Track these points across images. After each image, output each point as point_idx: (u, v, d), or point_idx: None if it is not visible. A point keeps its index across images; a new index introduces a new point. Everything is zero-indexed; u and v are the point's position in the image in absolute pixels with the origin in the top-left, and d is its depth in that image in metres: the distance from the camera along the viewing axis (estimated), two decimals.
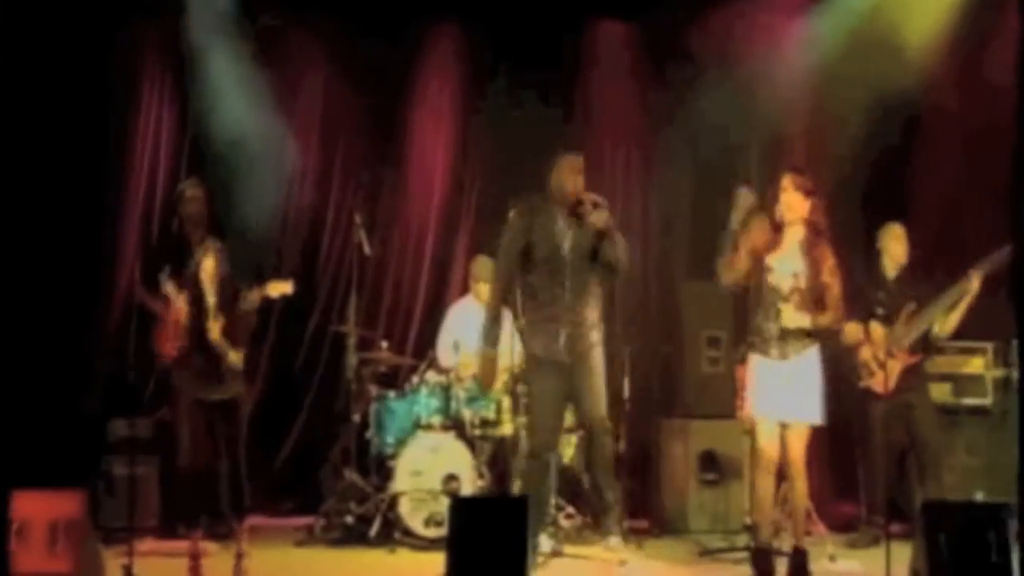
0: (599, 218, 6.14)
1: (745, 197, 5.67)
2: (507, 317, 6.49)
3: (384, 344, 7.62)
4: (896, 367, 6.86)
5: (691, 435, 7.49)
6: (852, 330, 6.85)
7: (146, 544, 6.37)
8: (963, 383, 7.51)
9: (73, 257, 7.16)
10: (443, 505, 6.55)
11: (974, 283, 6.79)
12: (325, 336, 8.20)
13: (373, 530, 6.78)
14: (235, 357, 5.78)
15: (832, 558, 6.36)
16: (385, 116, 8.41)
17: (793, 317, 5.68)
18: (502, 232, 6.39)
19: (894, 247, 7.09)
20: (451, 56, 8.42)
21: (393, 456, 6.98)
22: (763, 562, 5.71)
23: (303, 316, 8.33)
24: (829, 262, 5.75)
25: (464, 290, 7.96)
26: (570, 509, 7.09)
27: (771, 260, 5.74)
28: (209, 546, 6.07)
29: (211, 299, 5.74)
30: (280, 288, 6.96)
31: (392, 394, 7.31)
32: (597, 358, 6.25)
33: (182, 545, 5.87)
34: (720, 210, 6.61)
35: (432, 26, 8.35)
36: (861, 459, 7.14)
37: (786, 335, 5.69)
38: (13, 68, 5.95)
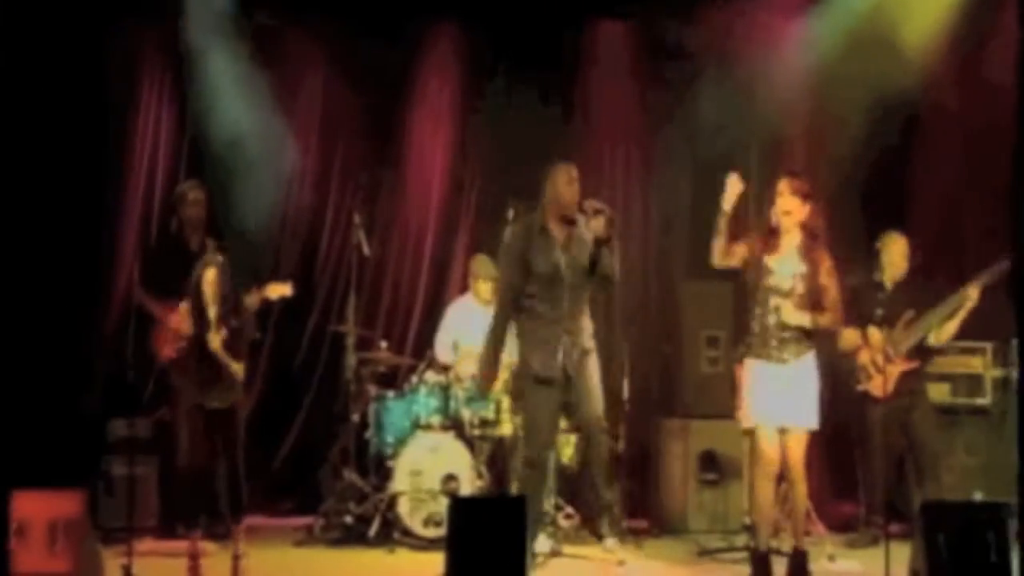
0: (599, 225, 6.14)
1: (734, 183, 5.66)
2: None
3: (383, 344, 7.61)
4: (894, 371, 6.85)
5: (690, 435, 7.48)
6: (850, 336, 6.87)
7: (145, 544, 6.39)
8: (962, 383, 7.50)
9: (72, 258, 7.14)
10: (442, 505, 6.54)
11: (972, 294, 6.80)
12: (324, 336, 8.19)
13: (372, 530, 6.78)
14: (236, 368, 5.81)
15: (831, 558, 6.37)
16: (384, 116, 8.40)
17: (793, 314, 5.67)
18: (499, 250, 6.40)
19: (894, 257, 7.06)
20: (450, 56, 8.40)
21: (392, 456, 6.98)
22: (762, 566, 5.69)
23: (302, 316, 8.31)
24: (826, 264, 5.74)
25: (463, 289, 7.94)
26: (569, 509, 7.09)
27: (770, 262, 5.74)
28: (208, 546, 6.07)
29: (212, 311, 5.75)
30: (279, 290, 6.95)
31: (391, 394, 7.31)
32: (592, 363, 6.23)
33: (181, 545, 5.90)
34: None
35: (431, 26, 8.33)
36: (860, 461, 7.14)
37: (785, 333, 5.68)
38: (12, 69, 5.97)
